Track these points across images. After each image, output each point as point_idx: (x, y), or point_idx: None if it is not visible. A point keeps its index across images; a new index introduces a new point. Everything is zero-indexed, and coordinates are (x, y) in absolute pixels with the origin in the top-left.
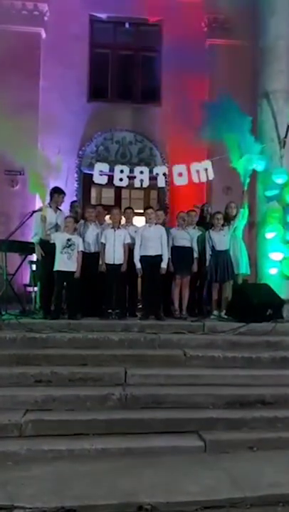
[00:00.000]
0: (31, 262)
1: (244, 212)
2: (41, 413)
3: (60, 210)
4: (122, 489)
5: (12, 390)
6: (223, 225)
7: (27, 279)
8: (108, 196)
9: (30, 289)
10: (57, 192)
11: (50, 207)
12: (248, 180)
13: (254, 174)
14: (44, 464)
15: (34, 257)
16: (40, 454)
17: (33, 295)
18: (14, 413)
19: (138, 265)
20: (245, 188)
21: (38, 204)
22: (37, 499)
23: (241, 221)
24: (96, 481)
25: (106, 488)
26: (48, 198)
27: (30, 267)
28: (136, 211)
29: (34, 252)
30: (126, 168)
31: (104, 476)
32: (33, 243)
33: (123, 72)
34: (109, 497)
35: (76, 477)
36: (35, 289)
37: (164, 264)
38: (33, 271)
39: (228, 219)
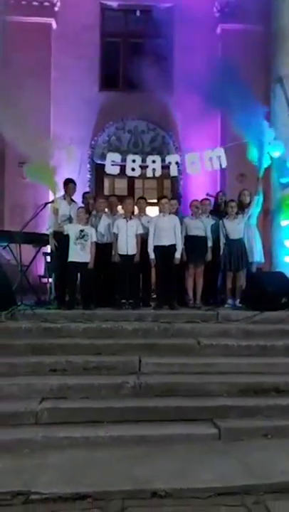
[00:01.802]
0: (46, 254)
1: (259, 199)
2: (57, 401)
3: (74, 201)
4: (136, 476)
5: (28, 378)
6: (237, 213)
7: (42, 270)
8: (121, 186)
9: (45, 280)
10: (69, 183)
11: (65, 199)
12: (264, 166)
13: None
14: (60, 451)
15: (48, 249)
16: (55, 442)
17: (47, 286)
18: (30, 401)
19: (152, 255)
20: (261, 175)
21: (52, 196)
22: (53, 485)
23: (256, 209)
24: (111, 468)
25: (120, 475)
26: (61, 190)
27: (45, 259)
28: (149, 201)
29: (48, 244)
30: (138, 158)
31: (119, 463)
32: (47, 235)
33: (134, 61)
34: (123, 483)
35: (91, 464)
36: (50, 280)
37: (178, 254)
38: (48, 262)
39: (242, 207)
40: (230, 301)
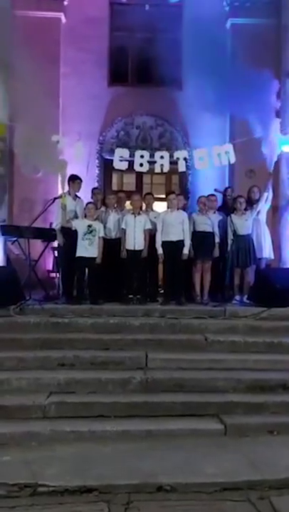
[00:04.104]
0: (54, 249)
1: (268, 195)
2: (64, 395)
3: (78, 197)
4: (142, 470)
5: (36, 372)
6: (245, 209)
7: (50, 265)
8: (129, 182)
9: (53, 274)
10: (72, 179)
11: (70, 194)
12: (274, 162)
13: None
14: (67, 445)
15: (57, 244)
16: (63, 435)
17: (56, 281)
18: (38, 395)
19: (160, 250)
20: (271, 170)
21: (61, 191)
22: (60, 478)
23: (265, 205)
24: (117, 461)
25: (126, 469)
26: (66, 186)
27: (54, 253)
28: (158, 196)
29: (56, 239)
30: (146, 153)
31: (125, 457)
32: (55, 230)
33: (143, 55)
34: (129, 477)
35: (97, 458)
36: (58, 274)
37: (185, 250)
38: (56, 257)
39: (251, 203)
40: (237, 297)
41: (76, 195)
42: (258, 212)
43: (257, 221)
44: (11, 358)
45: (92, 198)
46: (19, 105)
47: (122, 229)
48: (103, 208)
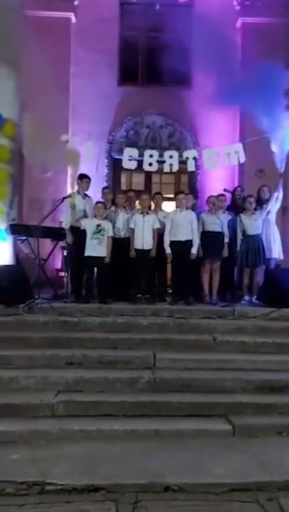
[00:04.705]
0: (63, 248)
1: (278, 195)
2: (72, 394)
3: (88, 196)
4: (149, 470)
5: (44, 371)
6: (255, 209)
7: (59, 264)
8: (138, 181)
9: (62, 273)
10: (81, 178)
11: (79, 193)
12: (285, 161)
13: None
14: (75, 443)
15: (66, 243)
16: (71, 434)
17: (65, 280)
18: (46, 394)
19: (168, 250)
20: (283, 169)
21: (70, 190)
22: (68, 477)
23: (275, 205)
24: (124, 461)
25: (134, 468)
26: (76, 185)
27: (63, 253)
28: (167, 196)
29: (65, 238)
30: (155, 153)
31: (133, 457)
32: (64, 229)
33: (153, 55)
34: (137, 477)
35: (105, 457)
36: (67, 273)
37: (194, 250)
38: (65, 256)
39: (261, 203)
40: (246, 297)
41: (85, 194)
42: (268, 212)
43: (267, 221)
44: (20, 356)
45: (102, 197)
46: (29, 105)
47: (131, 228)
48: (113, 208)
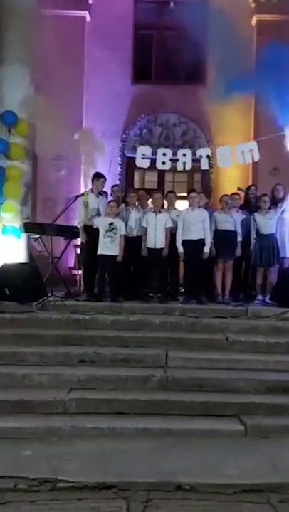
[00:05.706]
0: (76, 246)
1: None
2: (84, 392)
3: (101, 195)
4: (161, 468)
5: (57, 368)
6: (269, 208)
7: (72, 263)
8: (151, 180)
9: (75, 271)
10: (97, 177)
11: (92, 192)
12: None
13: None
14: (87, 441)
15: (79, 241)
16: (83, 431)
17: (77, 278)
18: (59, 391)
19: (180, 249)
20: None
21: (83, 189)
22: (79, 474)
23: None
24: (136, 459)
25: (146, 467)
26: (90, 184)
27: (75, 251)
28: (180, 194)
29: (78, 236)
30: (169, 151)
31: (145, 455)
32: (77, 227)
33: (167, 53)
34: (148, 475)
35: (117, 454)
36: (80, 272)
37: (206, 249)
38: (78, 254)
39: (275, 202)
40: (260, 297)
41: (99, 193)
42: (283, 211)
43: (281, 220)
44: (33, 353)
45: (111, 195)
46: (43, 104)
47: (143, 227)
48: (123, 206)
